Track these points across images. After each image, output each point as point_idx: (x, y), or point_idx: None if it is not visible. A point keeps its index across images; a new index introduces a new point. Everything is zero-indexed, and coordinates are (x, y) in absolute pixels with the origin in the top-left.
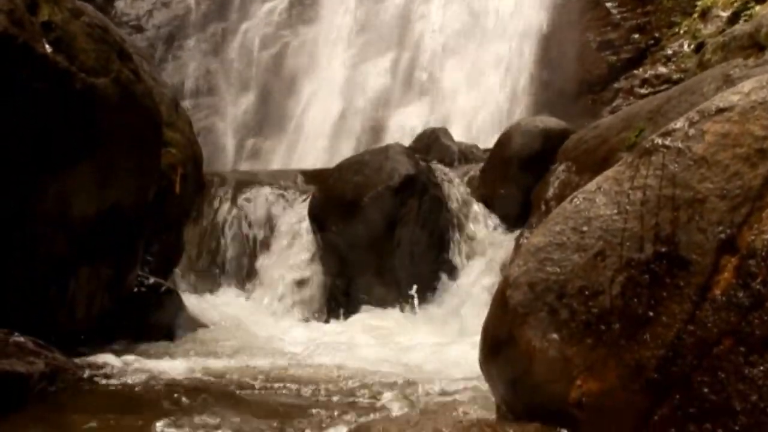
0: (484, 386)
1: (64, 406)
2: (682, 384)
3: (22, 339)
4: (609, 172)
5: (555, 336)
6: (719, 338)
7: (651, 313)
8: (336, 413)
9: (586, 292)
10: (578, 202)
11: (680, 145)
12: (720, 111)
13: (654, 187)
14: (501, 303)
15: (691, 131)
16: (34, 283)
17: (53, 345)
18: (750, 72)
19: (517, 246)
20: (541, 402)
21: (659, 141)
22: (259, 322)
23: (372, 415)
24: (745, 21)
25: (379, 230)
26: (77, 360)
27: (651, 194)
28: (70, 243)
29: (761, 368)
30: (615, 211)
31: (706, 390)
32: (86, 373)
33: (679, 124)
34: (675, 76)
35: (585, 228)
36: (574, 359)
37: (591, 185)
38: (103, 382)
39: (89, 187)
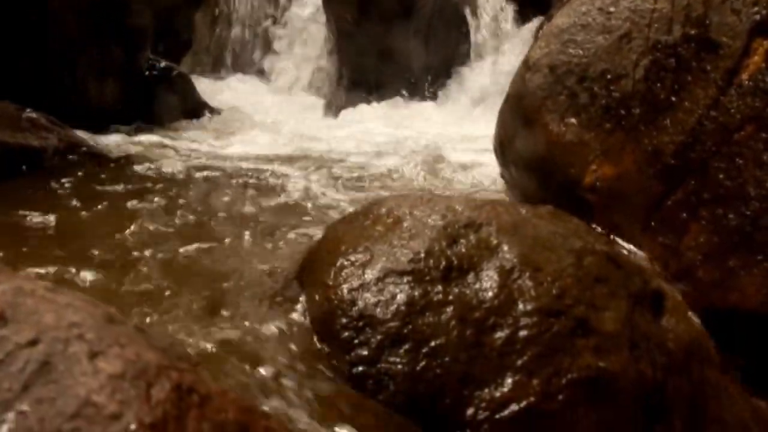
0: (498, 172)
1: (75, 178)
2: (699, 170)
3: (35, 115)
4: None
5: (573, 120)
6: (741, 125)
7: (673, 99)
8: (349, 191)
9: (609, 76)
10: None
11: None
12: None
13: None
14: (519, 87)
15: None
16: (44, 63)
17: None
18: None
19: (537, 36)
20: (555, 186)
21: None
22: (272, 108)
23: (385, 192)
24: None
25: (394, 18)
26: (89, 138)
27: None
28: (80, 23)
29: None
30: None
31: (721, 176)
32: (98, 151)
33: None
34: None
35: (612, 8)
36: (590, 143)
37: None
38: (113, 163)
39: None
